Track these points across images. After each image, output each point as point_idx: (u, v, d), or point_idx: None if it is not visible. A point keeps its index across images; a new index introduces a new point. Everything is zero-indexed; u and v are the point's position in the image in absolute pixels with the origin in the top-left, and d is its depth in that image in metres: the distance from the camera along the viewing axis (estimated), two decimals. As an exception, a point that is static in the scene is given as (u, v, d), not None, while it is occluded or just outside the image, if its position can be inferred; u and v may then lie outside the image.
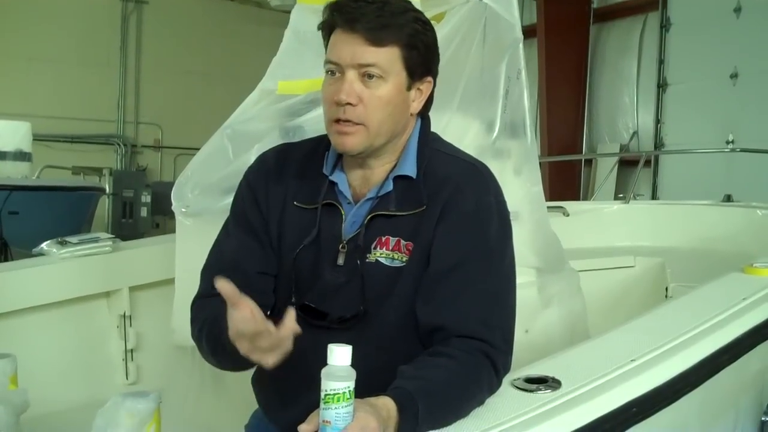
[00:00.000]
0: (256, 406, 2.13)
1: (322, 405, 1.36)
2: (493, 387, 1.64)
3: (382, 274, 1.76)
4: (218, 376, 3.08)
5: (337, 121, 1.74)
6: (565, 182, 11.19)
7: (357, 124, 1.73)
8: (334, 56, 1.74)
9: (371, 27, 1.69)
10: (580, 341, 2.92)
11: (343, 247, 1.80)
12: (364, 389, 1.45)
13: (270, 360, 1.53)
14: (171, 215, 3.08)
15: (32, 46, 14.03)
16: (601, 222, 5.09)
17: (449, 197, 1.75)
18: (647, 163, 10.32)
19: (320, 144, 1.92)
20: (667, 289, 4.00)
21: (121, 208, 13.15)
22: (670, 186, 10.75)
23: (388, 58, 1.72)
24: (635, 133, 11.72)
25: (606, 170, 11.10)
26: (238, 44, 15.58)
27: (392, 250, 1.76)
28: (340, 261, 1.80)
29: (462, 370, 1.58)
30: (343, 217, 1.82)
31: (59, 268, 3.33)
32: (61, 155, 13.31)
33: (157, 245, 3.68)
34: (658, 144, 11.30)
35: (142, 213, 13.28)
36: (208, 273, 1.89)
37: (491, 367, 1.63)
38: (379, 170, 1.83)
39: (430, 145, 1.86)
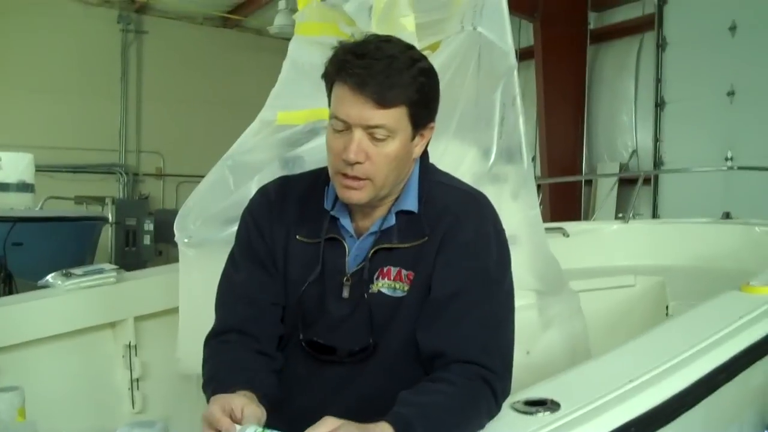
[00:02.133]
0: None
1: None
2: (492, 412, 1.67)
3: (384, 304, 1.80)
4: (224, 405, 3.10)
5: (344, 175, 1.77)
6: (565, 202, 11.24)
7: (364, 179, 1.76)
8: (342, 114, 1.74)
9: (380, 89, 1.70)
10: (582, 362, 2.94)
11: (347, 280, 1.84)
12: (371, 419, 1.49)
13: None
14: (174, 243, 3.11)
15: (33, 77, 14.09)
16: (600, 242, 5.12)
17: (449, 228, 1.80)
18: (647, 181, 10.37)
19: (319, 178, 1.95)
20: (667, 307, 4.01)
21: (124, 236, 13.16)
22: (670, 204, 10.79)
23: (396, 118, 1.74)
24: (634, 151, 11.78)
25: (606, 189, 11.16)
26: (237, 71, 15.68)
27: (394, 280, 1.80)
28: (345, 294, 1.84)
29: (461, 395, 1.61)
30: (347, 250, 1.86)
31: (65, 299, 3.35)
32: (63, 185, 13.36)
33: (160, 275, 3.70)
34: (658, 162, 11.35)
35: (145, 241, 13.29)
36: (223, 308, 1.93)
37: (490, 393, 1.66)
38: (381, 207, 1.87)
39: (429, 177, 1.90)
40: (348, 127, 1.74)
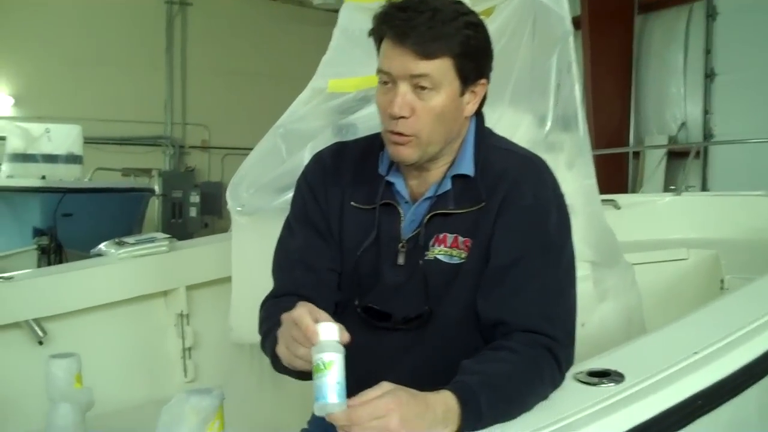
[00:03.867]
0: (313, 402, 2.15)
1: None
2: (556, 381, 1.64)
3: (441, 271, 1.77)
4: (278, 374, 3.08)
5: (392, 132, 1.74)
6: (612, 175, 11.06)
7: (409, 135, 1.73)
8: (386, 66, 1.72)
9: (422, 40, 1.66)
10: (637, 335, 2.89)
11: (402, 247, 1.81)
12: (428, 387, 1.47)
13: (297, 361, 1.53)
14: (219, 215, 3.14)
15: (80, 51, 14.24)
16: (652, 214, 5.03)
17: (507, 192, 1.75)
18: (696, 154, 10.19)
19: (374, 143, 1.92)
20: (722, 281, 3.94)
21: (171, 208, 13.28)
22: (720, 177, 10.61)
23: (440, 69, 1.69)
24: (683, 124, 11.57)
25: (654, 163, 11.01)
26: (281, 43, 15.67)
27: (450, 247, 1.77)
28: (400, 260, 1.81)
29: (524, 363, 1.58)
30: (402, 216, 1.83)
31: (118, 268, 3.39)
32: (110, 157, 13.48)
33: (212, 244, 3.72)
34: (707, 135, 11.15)
35: (191, 213, 13.40)
36: (280, 273, 1.92)
37: (554, 361, 1.63)
38: (436, 171, 1.83)
39: (485, 141, 1.85)
40: (393, 81, 1.71)
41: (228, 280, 3.21)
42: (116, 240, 3.49)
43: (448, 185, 1.80)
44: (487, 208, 1.75)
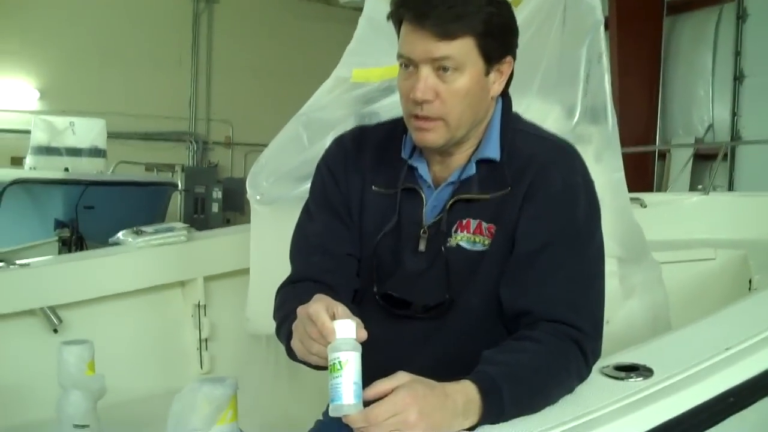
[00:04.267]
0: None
1: None
2: (582, 374, 1.57)
3: (463, 258, 1.70)
4: (293, 366, 3.01)
5: (416, 117, 1.67)
6: (638, 177, 10.93)
7: (436, 119, 1.65)
8: (406, 51, 1.64)
9: (442, 21, 1.59)
10: (663, 333, 2.83)
11: (424, 233, 1.74)
12: (448, 378, 1.40)
13: (312, 357, 1.46)
14: (242, 211, 3.11)
15: (106, 45, 14.32)
16: (679, 214, 4.94)
17: (534, 178, 1.67)
18: (724, 156, 10.06)
19: (397, 127, 1.85)
20: (750, 281, 3.85)
21: (193, 203, 13.29)
22: (747, 179, 10.46)
23: (463, 49, 1.62)
24: (710, 126, 11.44)
25: (680, 164, 10.87)
26: (306, 41, 15.67)
27: (474, 233, 1.69)
28: (422, 247, 1.74)
29: (550, 354, 1.51)
30: (424, 201, 1.76)
31: (135, 257, 3.37)
32: (134, 152, 13.52)
33: (231, 235, 3.69)
34: (735, 137, 11.01)
35: (213, 209, 13.41)
36: (298, 259, 1.85)
37: (580, 353, 1.56)
38: (460, 155, 1.75)
39: (512, 125, 1.78)
40: (414, 65, 1.63)
41: (246, 271, 3.18)
42: (134, 229, 3.46)
43: (472, 170, 1.72)
44: (512, 193, 1.68)
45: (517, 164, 1.70)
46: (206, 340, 3.44)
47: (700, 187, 5.26)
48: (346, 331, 1.36)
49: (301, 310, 1.46)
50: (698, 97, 11.66)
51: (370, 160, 1.84)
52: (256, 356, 3.23)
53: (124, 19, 14.44)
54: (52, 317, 3.03)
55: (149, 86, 14.59)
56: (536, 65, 2.68)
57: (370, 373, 1.36)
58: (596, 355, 1.62)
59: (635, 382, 1.60)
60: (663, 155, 11.72)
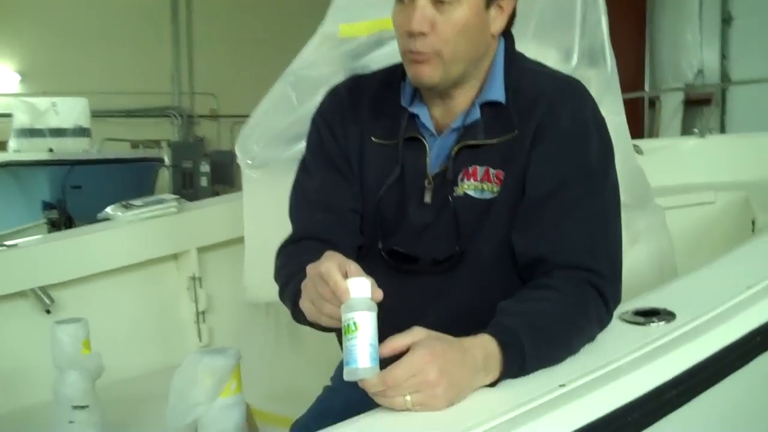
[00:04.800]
0: (335, 362, 2.00)
1: None
2: (603, 320, 1.49)
3: (471, 208, 1.60)
4: (296, 333, 2.99)
5: (410, 51, 1.57)
6: (629, 123, 10.81)
7: (430, 52, 1.55)
8: None
9: None
10: (669, 279, 2.76)
11: (429, 183, 1.64)
12: (461, 334, 1.31)
13: (324, 318, 1.37)
14: (231, 184, 3.04)
15: (84, 24, 14.17)
16: (676, 159, 4.85)
17: (542, 117, 1.57)
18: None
19: (394, 74, 1.74)
20: (753, 222, 3.79)
21: (181, 179, 13.12)
22: (739, 122, 10.34)
23: None
24: (700, 71, 11.28)
25: (670, 111, 10.79)
26: (286, 9, 15.44)
27: (481, 181, 1.60)
28: (427, 198, 1.65)
29: (568, 302, 1.43)
30: (428, 150, 1.66)
31: (125, 231, 3.28)
32: (118, 130, 13.40)
33: (223, 204, 3.62)
34: (724, 81, 10.89)
35: (202, 183, 13.24)
36: (298, 216, 1.76)
37: (600, 299, 1.47)
38: (462, 98, 1.65)
39: (516, 64, 1.67)
40: None
41: (240, 240, 3.09)
42: (123, 203, 3.37)
43: (476, 114, 1.62)
44: (520, 136, 1.58)
45: (523, 104, 1.60)
46: (203, 312, 3.37)
47: (695, 130, 5.16)
48: (360, 290, 1.27)
49: (311, 269, 1.36)
50: (686, 42, 11.48)
51: (367, 110, 1.74)
52: (256, 326, 3.15)
53: (101, -5, 14.26)
54: (44, 298, 2.95)
55: (130, 62, 14.41)
56: (530, 7, 2.57)
57: (379, 333, 1.27)
58: (617, 300, 1.53)
59: (658, 327, 1.53)
60: (653, 103, 11.58)
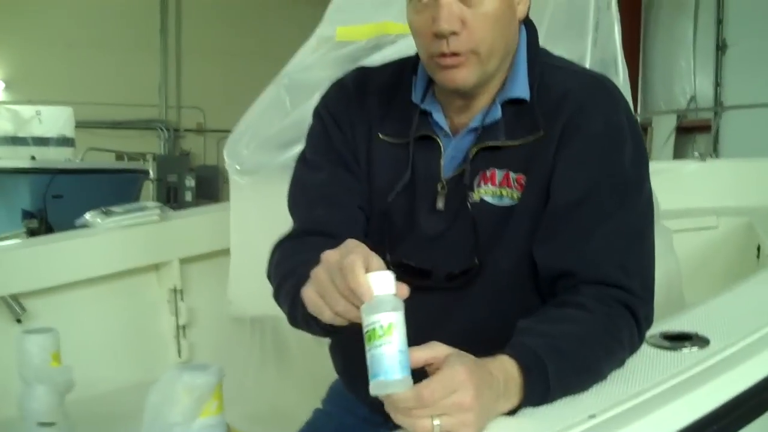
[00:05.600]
0: (325, 382, 1.86)
1: None
2: (634, 344, 1.34)
3: (489, 215, 1.44)
4: (282, 350, 2.85)
5: (442, 55, 1.39)
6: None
7: (466, 53, 1.39)
8: None
9: None
10: (676, 303, 2.62)
11: (442, 188, 1.48)
12: (476, 355, 1.14)
13: (330, 315, 1.15)
14: (216, 198, 2.90)
15: (72, 33, 14.01)
16: (676, 182, 4.73)
17: (570, 118, 1.41)
18: (707, 128, 9.90)
19: (405, 68, 1.59)
20: (758, 248, 3.67)
21: (166, 192, 13.00)
22: (732, 148, 10.24)
23: None
24: (693, 97, 11.22)
25: (663, 137, 10.70)
26: (276, 24, 15.32)
27: (499, 186, 1.43)
28: (440, 205, 1.48)
29: (598, 322, 1.27)
30: (442, 151, 1.49)
31: (104, 239, 3.12)
32: (103, 141, 13.17)
33: (208, 214, 3.47)
34: (717, 112, 10.83)
35: (186, 197, 13.13)
36: (299, 211, 1.57)
37: (632, 320, 1.32)
38: (484, 96, 1.48)
39: (541, 59, 1.51)
40: None
41: (225, 252, 2.96)
42: (103, 209, 3.21)
43: (497, 113, 1.45)
44: (546, 137, 1.41)
45: (550, 103, 1.44)
46: (184, 326, 3.20)
47: (696, 154, 5.05)
48: (384, 286, 1.07)
49: (329, 255, 1.15)
50: (680, 68, 11.41)
51: (375, 105, 1.57)
52: (239, 342, 3.00)
53: (90, 5, 14.12)
54: (15, 306, 2.80)
55: (117, 74, 14.24)
56: (542, 13, 2.44)
57: None
58: (649, 321, 1.38)
59: (691, 353, 1.38)
60: (645, 129, 11.50)
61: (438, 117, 1.50)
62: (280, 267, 1.46)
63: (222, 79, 15.09)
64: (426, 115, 1.51)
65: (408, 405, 1.03)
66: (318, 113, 1.63)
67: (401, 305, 1.06)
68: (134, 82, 14.61)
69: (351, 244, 1.15)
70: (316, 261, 1.17)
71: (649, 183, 1.45)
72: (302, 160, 1.62)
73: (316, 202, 1.53)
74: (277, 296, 1.44)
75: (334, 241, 1.24)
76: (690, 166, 4.87)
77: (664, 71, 11.42)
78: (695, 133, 10.32)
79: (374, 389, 1.04)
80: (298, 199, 1.59)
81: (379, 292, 1.06)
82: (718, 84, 10.65)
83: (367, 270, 1.08)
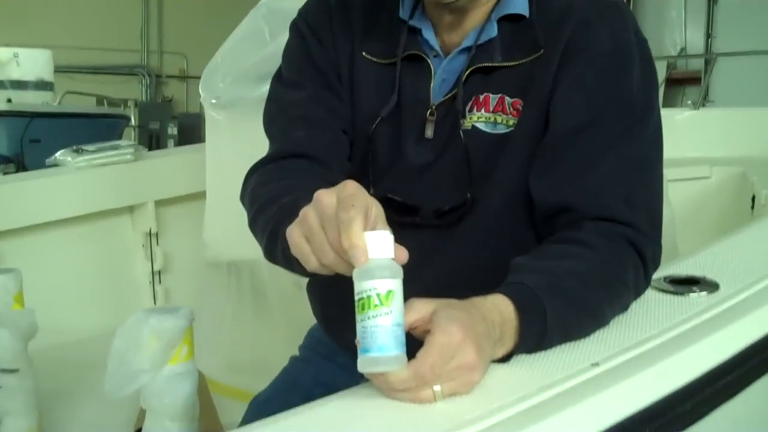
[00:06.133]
0: (302, 329, 1.75)
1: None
2: (640, 286, 1.22)
3: (481, 144, 1.30)
4: (259, 296, 2.73)
5: None
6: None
7: None
8: None
9: None
10: (670, 254, 2.52)
11: (431, 114, 1.34)
12: (464, 296, 1.02)
13: (313, 263, 0.99)
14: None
15: (51, -27, 13.70)
16: (669, 131, 4.61)
17: (574, 35, 1.27)
18: (697, 81, 9.77)
19: None
20: (753, 198, 3.57)
21: (148, 140, 12.82)
22: (722, 97, 10.14)
23: None
24: (683, 49, 11.10)
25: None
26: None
27: (493, 112, 1.30)
28: (429, 133, 1.34)
29: (601, 261, 1.14)
30: (432, 73, 1.35)
31: (75, 178, 3.03)
32: (83, 86, 12.95)
33: (185, 154, 3.41)
34: (709, 60, 10.68)
35: (169, 145, 12.96)
36: (276, 132, 1.43)
37: (639, 259, 1.19)
38: (476, 12, 1.34)
39: None
40: None
41: (202, 195, 2.85)
42: (74, 147, 3.09)
43: (493, 30, 1.31)
44: (545, 56, 1.27)
45: (551, 18, 1.29)
46: (159, 272, 3.14)
47: (689, 102, 4.94)
48: (382, 248, 0.92)
49: (322, 198, 0.96)
50: (670, 19, 11.28)
51: (359, 21, 1.43)
52: (216, 287, 2.89)
53: (69, -54, 13.82)
54: (-20, 248, 2.68)
55: (98, 17, 13.97)
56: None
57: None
58: (657, 262, 1.25)
59: (699, 297, 1.27)
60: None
61: (428, 35, 1.36)
62: (257, 193, 1.32)
63: (205, 24, 14.77)
64: (415, 32, 1.37)
65: (407, 386, 0.90)
66: (296, 26, 1.49)
67: (400, 272, 0.92)
68: (115, 26, 14.34)
69: (350, 187, 0.96)
70: (299, 189, 1.04)
71: (659, 110, 1.33)
72: (278, 78, 1.48)
73: (295, 124, 1.39)
74: (253, 225, 1.29)
75: (318, 166, 1.10)
76: (683, 113, 4.77)
77: (654, 22, 11.26)
78: (685, 85, 10.20)
79: (364, 365, 0.91)
80: (275, 120, 1.44)
81: (374, 255, 0.91)
82: (709, 35, 10.53)
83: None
